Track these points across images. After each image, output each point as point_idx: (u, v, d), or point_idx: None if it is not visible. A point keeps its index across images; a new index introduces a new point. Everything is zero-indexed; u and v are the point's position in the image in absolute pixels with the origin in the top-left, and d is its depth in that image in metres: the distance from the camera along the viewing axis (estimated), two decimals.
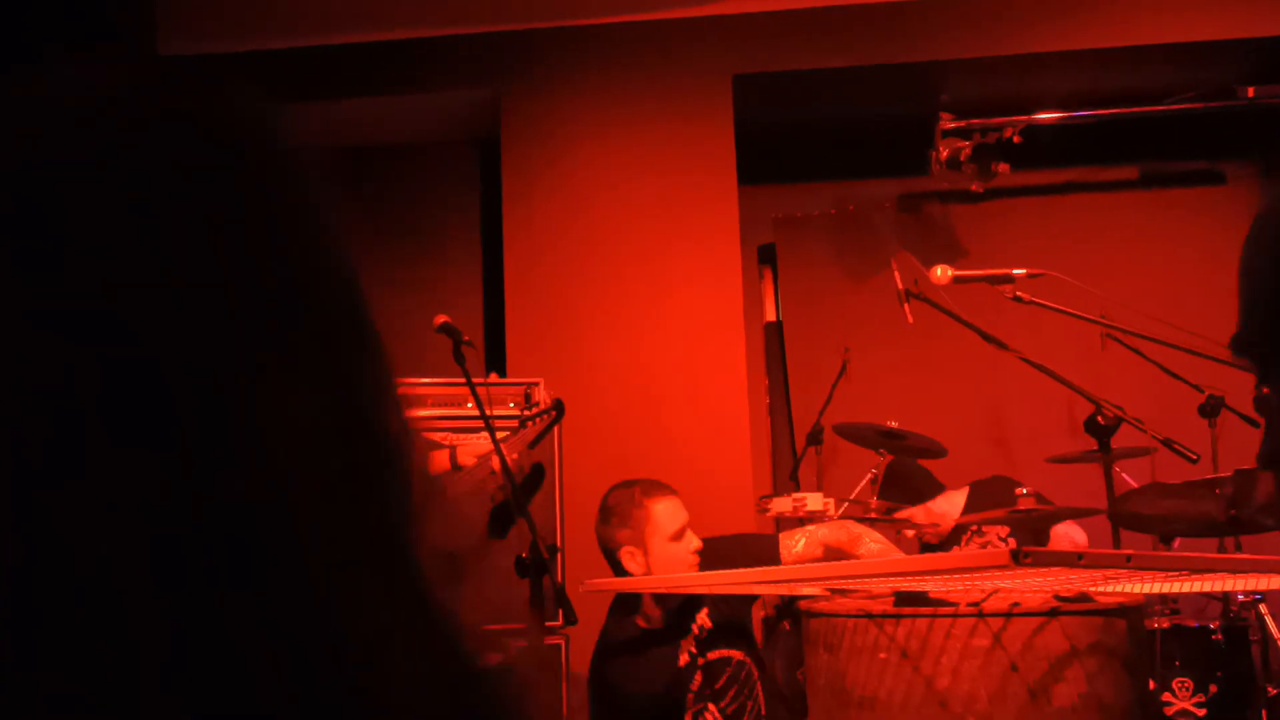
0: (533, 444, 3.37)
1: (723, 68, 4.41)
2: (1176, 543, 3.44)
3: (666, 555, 2.81)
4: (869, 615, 2.16)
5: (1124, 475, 3.69)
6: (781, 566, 2.73)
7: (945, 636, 2.08)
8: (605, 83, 4.43)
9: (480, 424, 2.95)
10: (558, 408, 3.29)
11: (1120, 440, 3.06)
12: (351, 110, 4.56)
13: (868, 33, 4.37)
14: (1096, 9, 4.31)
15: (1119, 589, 2.15)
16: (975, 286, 2.99)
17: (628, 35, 4.43)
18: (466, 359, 2.97)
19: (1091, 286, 3.14)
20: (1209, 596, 3.43)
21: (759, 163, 4.58)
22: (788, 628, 3.55)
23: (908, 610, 2.15)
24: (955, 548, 3.69)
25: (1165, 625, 3.18)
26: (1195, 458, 2.82)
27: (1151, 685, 3.06)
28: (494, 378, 4.02)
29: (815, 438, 4.39)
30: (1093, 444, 3.06)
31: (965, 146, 4.37)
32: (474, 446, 3.18)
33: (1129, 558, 1.72)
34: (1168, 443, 2.84)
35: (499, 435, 2.96)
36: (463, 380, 2.92)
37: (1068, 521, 3.51)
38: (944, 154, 4.39)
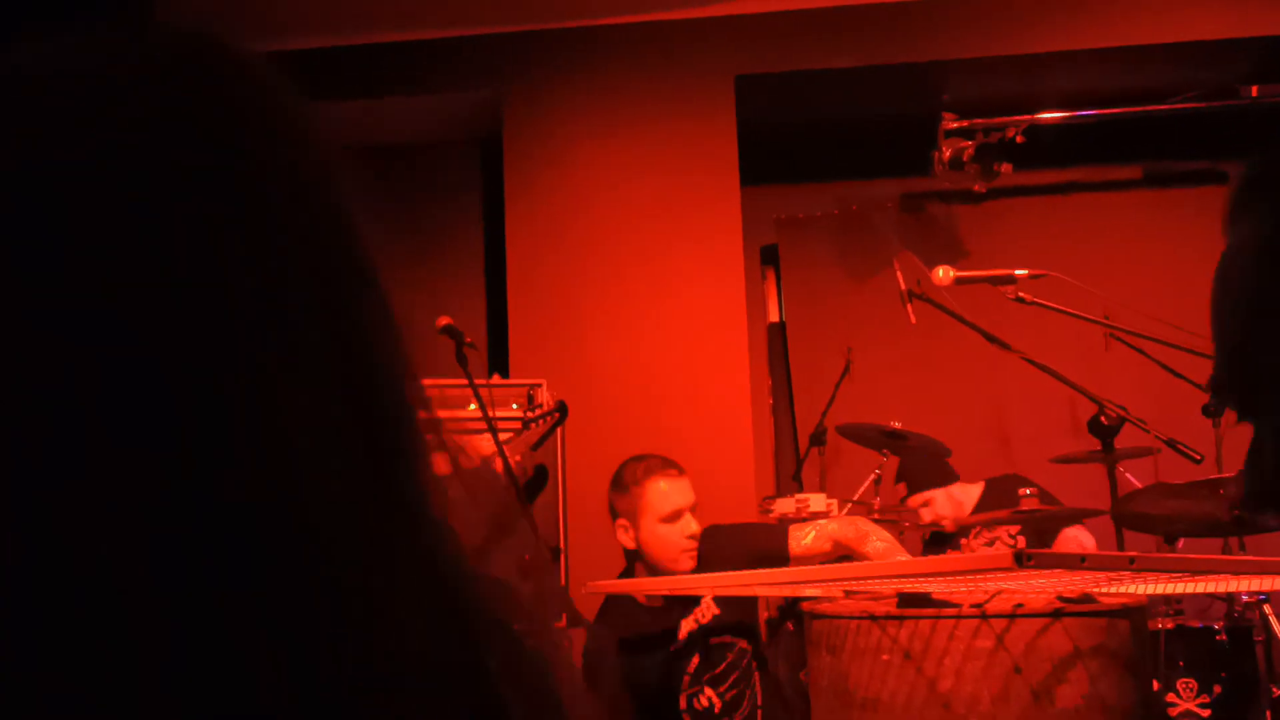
0: (536, 445, 3.37)
1: (725, 68, 4.41)
2: (1181, 543, 3.43)
3: (656, 536, 2.80)
4: (872, 617, 2.16)
5: (1127, 475, 3.68)
6: (783, 568, 2.72)
7: (948, 638, 2.07)
8: (607, 83, 4.43)
9: (483, 425, 2.95)
10: (561, 409, 3.29)
11: (1124, 440, 3.05)
12: (353, 111, 4.57)
13: (870, 33, 4.37)
14: (1098, 9, 4.31)
15: (1122, 590, 2.15)
16: (978, 286, 2.99)
17: (630, 36, 4.43)
18: (469, 360, 2.97)
19: (1095, 286, 3.13)
20: (1213, 597, 3.42)
21: (761, 163, 4.58)
22: (791, 628, 3.54)
23: (910, 612, 2.15)
24: (963, 540, 3.69)
25: (1169, 626, 3.18)
26: (1199, 458, 2.81)
27: (1156, 686, 3.06)
28: (497, 379, 4.02)
29: (818, 438, 4.38)
30: (1096, 444, 3.06)
31: (968, 146, 4.37)
32: (477, 447, 3.18)
33: (1132, 559, 1.72)
34: (1171, 443, 2.84)
35: (502, 437, 2.96)
36: (465, 382, 2.92)
37: (1077, 526, 3.51)
38: (946, 154, 4.38)
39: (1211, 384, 0.69)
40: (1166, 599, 3.24)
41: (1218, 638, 3.16)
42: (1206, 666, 3.12)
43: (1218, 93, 4.34)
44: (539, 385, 3.78)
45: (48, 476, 0.37)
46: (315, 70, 4.44)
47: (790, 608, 3.55)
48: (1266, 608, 3.18)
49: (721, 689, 2.77)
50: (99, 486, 0.37)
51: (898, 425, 3.94)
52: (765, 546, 2.82)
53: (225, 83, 0.47)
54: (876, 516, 3.58)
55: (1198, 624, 3.23)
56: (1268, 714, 3.10)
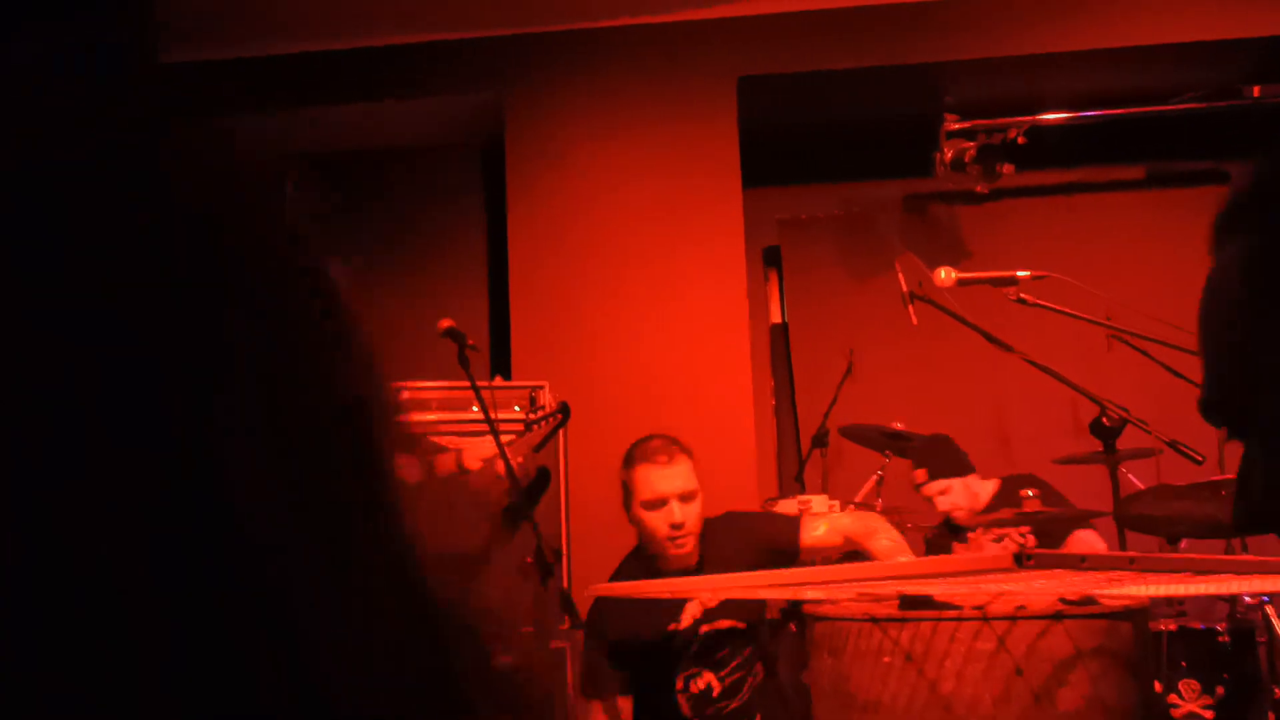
0: (538, 447, 3.38)
1: (727, 70, 4.41)
2: (1183, 544, 3.43)
3: (640, 519, 2.80)
4: (873, 619, 2.16)
5: (1130, 476, 3.68)
6: (782, 570, 2.71)
7: (949, 640, 2.07)
8: (609, 85, 4.44)
9: (485, 428, 2.95)
10: (564, 410, 3.29)
11: (1126, 442, 3.05)
12: (355, 115, 4.57)
13: (872, 34, 4.37)
14: (1100, 9, 4.31)
15: (1124, 591, 2.15)
16: (980, 287, 2.99)
17: (631, 38, 4.44)
18: (471, 363, 2.97)
19: (1097, 286, 3.13)
20: (1216, 598, 3.42)
21: (763, 164, 4.58)
22: (794, 630, 3.54)
23: (911, 614, 2.15)
24: (971, 535, 3.68)
25: (1172, 627, 3.17)
26: (1201, 459, 2.81)
27: (1158, 687, 3.05)
28: (499, 381, 4.03)
29: (820, 439, 4.38)
30: (1098, 445, 3.06)
31: (970, 147, 4.37)
32: (480, 449, 3.18)
33: (1133, 560, 1.72)
34: (1173, 444, 2.84)
35: (505, 439, 2.97)
36: (468, 384, 2.92)
37: (1089, 529, 3.50)
38: (948, 155, 4.38)
39: (1201, 404, 0.69)
40: (1169, 600, 3.24)
41: (1220, 639, 3.16)
42: (1209, 668, 3.12)
43: (1220, 93, 4.34)
44: (541, 387, 3.78)
45: (48, 476, 0.37)
46: (317, 74, 4.45)
47: (793, 609, 3.55)
48: (1269, 609, 3.17)
49: (722, 674, 2.77)
50: (99, 486, 0.38)
51: (900, 426, 3.94)
52: (776, 536, 2.81)
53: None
54: (910, 525, 3.58)
55: (1200, 625, 3.23)
56: (1270, 715, 3.09)
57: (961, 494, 3.64)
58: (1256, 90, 4.27)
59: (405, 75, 4.49)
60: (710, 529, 2.84)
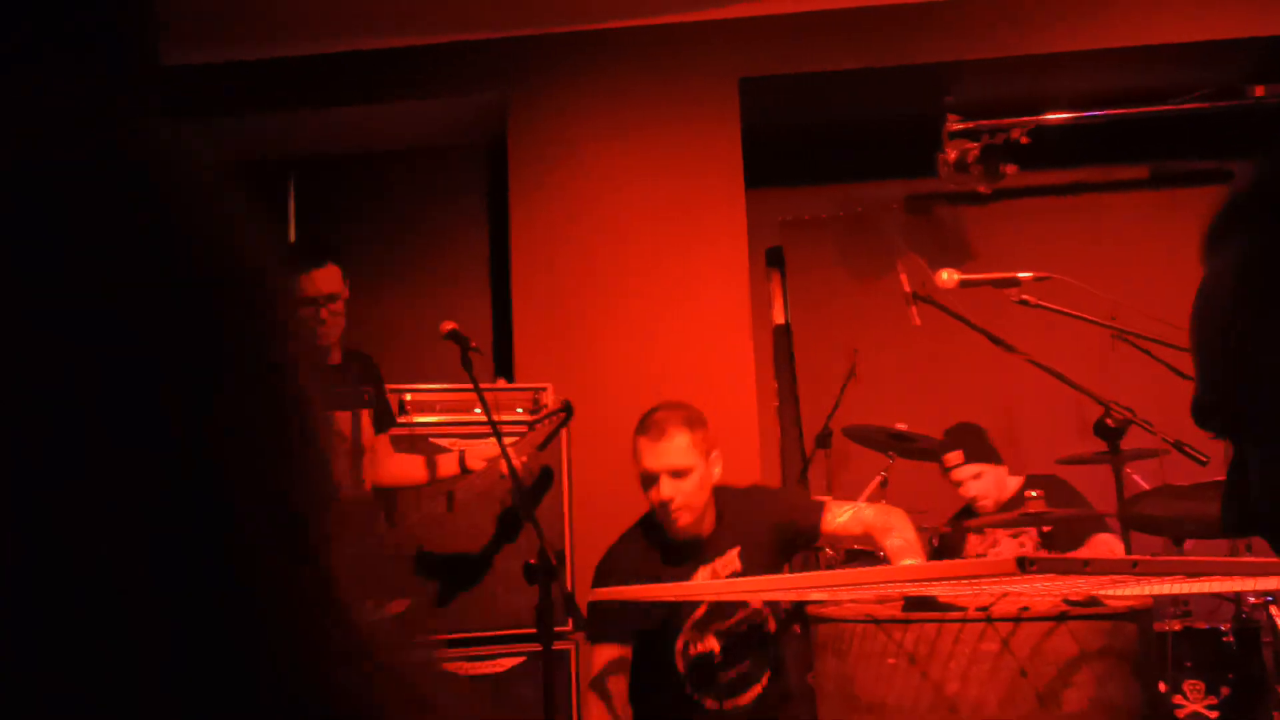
0: (542, 446, 3.38)
1: (729, 71, 4.41)
2: (1188, 544, 3.42)
3: (643, 487, 2.79)
4: (877, 621, 2.15)
5: (1134, 477, 3.68)
6: (785, 575, 2.71)
7: (954, 641, 2.07)
8: (611, 87, 4.44)
9: (489, 430, 2.95)
10: (566, 409, 3.29)
11: (1130, 442, 3.05)
12: (359, 116, 4.57)
13: (874, 35, 4.37)
14: (1103, 9, 4.31)
15: (1128, 592, 2.14)
16: (983, 287, 2.99)
17: (633, 39, 4.44)
18: (474, 365, 2.97)
19: (1100, 287, 3.13)
20: (1220, 598, 3.41)
21: (766, 165, 4.58)
22: (799, 631, 3.54)
23: (916, 615, 2.15)
24: (988, 531, 3.68)
25: (1177, 628, 3.17)
26: (1205, 460, 2.80)
27: (1163, 688, 3.05)
28: (502, 383, 4.03)
29: (824, 440, 4.38)
30: (1102, 446, 3.06)
31: (973, 148, 4.36)
32: (483, 450, 3.18)
33: (1135, 563, 1.72)
34: (1178, 444, 2.83)
35: (507, 440, 2.96)
36: (471, 386, 2.92)
37: (1111, 534, 3.49)
38: (951, 155, 4.38)
39: (1195, 407, 0.69)
40: (1174, 601, 3.24)
41: (1225, 639, 3.15)
42: (1214, 668, 3.12)
43: (1223, 93, 4.33)
44: (544, 389, 3.78)
45: (48, 476, 0.37)
46: (320, 76, 4.45)
47: (798, 610, 3.55)
48: (1273, 608, 3.17)
49: (727, 642, 2.76)
50: (99, 486, 0.38)
51: (903, 427, 3.93)
52: (799, 518, 2.79)
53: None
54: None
55: (1205, 625, 3.23)
56: (1275, 715, 3.09)
57: (992, 482, 3.66)
58: (1260, 90, 4.27)
59: (408, 77, 4.49)
60: (730, 500, 2.82)
